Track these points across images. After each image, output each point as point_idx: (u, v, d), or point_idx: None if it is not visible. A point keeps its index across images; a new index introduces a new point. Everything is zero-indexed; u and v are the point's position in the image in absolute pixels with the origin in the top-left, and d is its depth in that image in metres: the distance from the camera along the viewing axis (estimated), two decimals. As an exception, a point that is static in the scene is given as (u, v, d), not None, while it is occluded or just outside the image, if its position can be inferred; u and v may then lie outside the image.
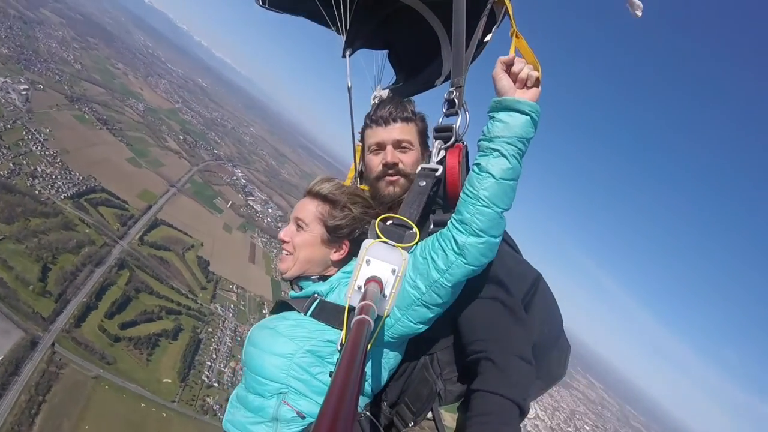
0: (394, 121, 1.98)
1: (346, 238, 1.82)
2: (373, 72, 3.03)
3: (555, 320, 1.90)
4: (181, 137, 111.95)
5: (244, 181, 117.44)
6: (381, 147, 1.98)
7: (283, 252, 1.87)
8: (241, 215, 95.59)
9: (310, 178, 1.89)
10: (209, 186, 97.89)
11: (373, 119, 2.02)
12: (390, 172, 1.95)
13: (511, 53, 1.67)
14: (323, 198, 1.84)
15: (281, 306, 1.78)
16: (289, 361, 1.54)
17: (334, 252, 1.83)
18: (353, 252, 1.79)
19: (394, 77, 3.13)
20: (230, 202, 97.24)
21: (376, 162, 1.99)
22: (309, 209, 1.85)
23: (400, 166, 1.95)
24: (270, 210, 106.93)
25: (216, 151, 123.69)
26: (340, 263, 1.85)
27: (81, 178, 63.88)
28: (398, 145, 1.97)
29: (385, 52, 3.16)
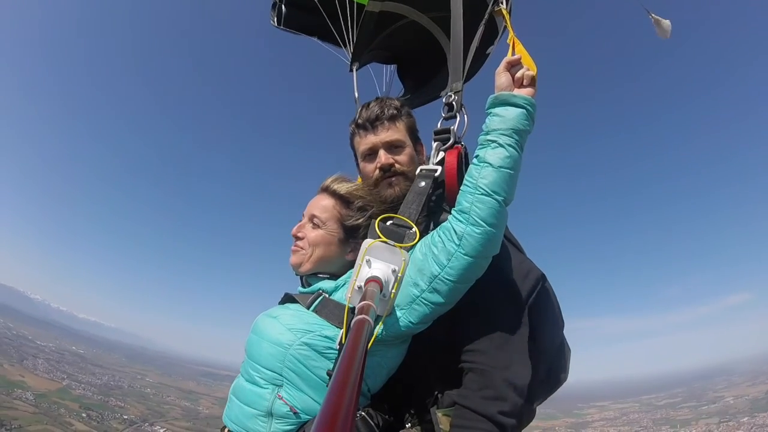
0: (381, 123, 1.95)
1: (362, 238, 1.69)
2: (376, 84, 3.15)
3: (559, 322, 1.89)
4: (84, 415, 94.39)
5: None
6: (373, 152, 1.97)
7: (295, 247, 1.82)
8: (189, 475, 79.02)
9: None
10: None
11: (360, 124, 2.00)
12: (387, 174, 1.93)
13: (509, 55, 1.74)
14: (340, 197, 1.83)
15: (287, 299, 1.77)
16: (285, 351, 1.52)
17: (350, 252, 1.80)
18: None
19: (403, 90, 3.28)
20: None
21: (371, 168, 1.97)
22: (326, 207, 1.82)
23: (396, 166, 1.92)
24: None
25: (125, 416, 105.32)
26: (353, 262, 1.74)
27: None
28: (390, 146, 1.95)
29: (394, 65, 3.32)
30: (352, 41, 2.95)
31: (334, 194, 1.85)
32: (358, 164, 2.10)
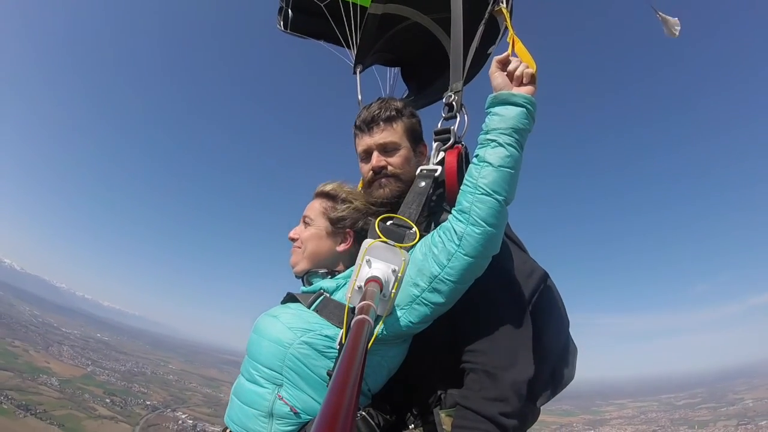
0: (377, 124, 1.96)
1: (349, 228, 1.85)
2: (380, 87, 3.22)
3: (563, 322, 1.87)
4: (108, 400, 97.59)
5: (191, 421, 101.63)
6: (368, 153, 1.98)
7: (293, 248, 1.91)
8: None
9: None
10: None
11: (358, 126, 2.03)
12: (378, 176, 1.94)
13: (508, 53, 1.71)
14: (326, 195, 1.93)
15: (289, 299, 1.77)
16: (285, 350, 1.52)
17: (340, 243, 1.86)
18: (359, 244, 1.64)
19: (407, 91, 3.30)
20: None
21: (366, 169, 2.00)
22: (314, 207, 1.92)
23: (388, 168, 1.93)
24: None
25: (148, 402, 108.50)
26: (347, 255, 1.84)
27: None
28: (384, 148, 1.95)
29: (398, 68, 3.35)
30: (356, 44, 2.98)
31: (321, 194, 1.95)
32: None
